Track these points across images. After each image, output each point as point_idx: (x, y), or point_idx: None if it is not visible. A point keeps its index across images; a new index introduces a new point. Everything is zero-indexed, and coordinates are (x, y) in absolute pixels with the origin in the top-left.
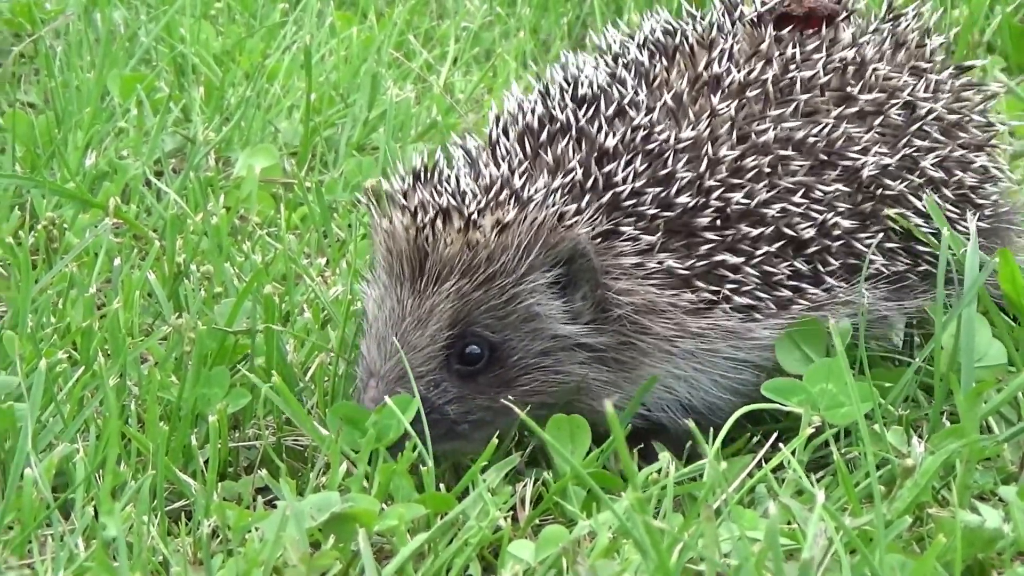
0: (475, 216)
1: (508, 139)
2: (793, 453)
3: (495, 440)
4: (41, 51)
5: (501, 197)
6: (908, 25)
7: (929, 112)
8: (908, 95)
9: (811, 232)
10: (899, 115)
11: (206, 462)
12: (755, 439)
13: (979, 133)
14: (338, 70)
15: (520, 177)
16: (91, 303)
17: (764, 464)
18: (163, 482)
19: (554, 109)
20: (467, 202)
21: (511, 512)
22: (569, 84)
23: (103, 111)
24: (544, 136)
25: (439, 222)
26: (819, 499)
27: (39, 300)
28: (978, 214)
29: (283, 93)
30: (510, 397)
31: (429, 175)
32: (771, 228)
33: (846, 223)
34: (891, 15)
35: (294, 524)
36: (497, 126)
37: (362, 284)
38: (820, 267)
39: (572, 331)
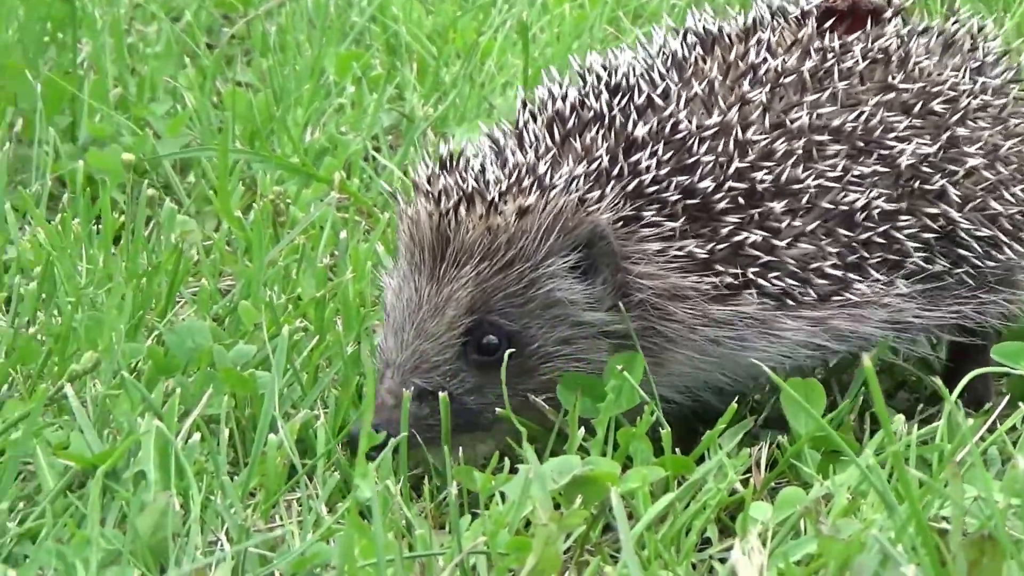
0: (497, 201)
1: (536, 125)
2: None
3: (733, 404)
4: (256, 31)
5: (524, 183)
6: (960, 26)
7: (973, 101)
8: (950, 88)
9: (848, 205)
10: (943, 108)
11: None
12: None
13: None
14: (552, 46)
15: (546, 164)
16: (323, 274)
17: (999, 425)
18: (405, 447)
19: (587, 97)
20: (490, 188)
21: (746, 475)
22: (606, 72)
23: (320, 89)
24: (573, 124)
25: (462, 207)
26: None
27: (268, 272)
28: None
29: (497, 70)
30: (530, 388)
31: (455, 162)
32: (804, 199)
33: (886, 206)
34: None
35: (538, 486)
36: (524, 112)
37: (383, 274)
38: (865, 253)
39: (595, 318)
